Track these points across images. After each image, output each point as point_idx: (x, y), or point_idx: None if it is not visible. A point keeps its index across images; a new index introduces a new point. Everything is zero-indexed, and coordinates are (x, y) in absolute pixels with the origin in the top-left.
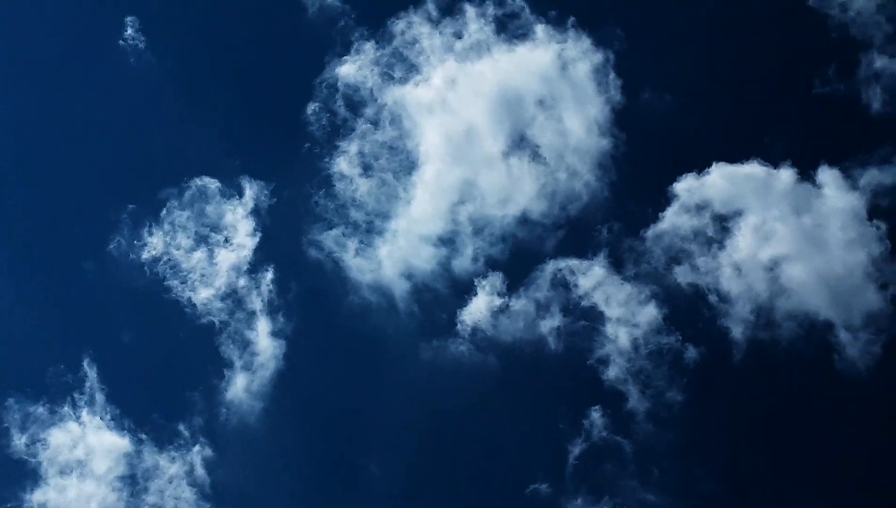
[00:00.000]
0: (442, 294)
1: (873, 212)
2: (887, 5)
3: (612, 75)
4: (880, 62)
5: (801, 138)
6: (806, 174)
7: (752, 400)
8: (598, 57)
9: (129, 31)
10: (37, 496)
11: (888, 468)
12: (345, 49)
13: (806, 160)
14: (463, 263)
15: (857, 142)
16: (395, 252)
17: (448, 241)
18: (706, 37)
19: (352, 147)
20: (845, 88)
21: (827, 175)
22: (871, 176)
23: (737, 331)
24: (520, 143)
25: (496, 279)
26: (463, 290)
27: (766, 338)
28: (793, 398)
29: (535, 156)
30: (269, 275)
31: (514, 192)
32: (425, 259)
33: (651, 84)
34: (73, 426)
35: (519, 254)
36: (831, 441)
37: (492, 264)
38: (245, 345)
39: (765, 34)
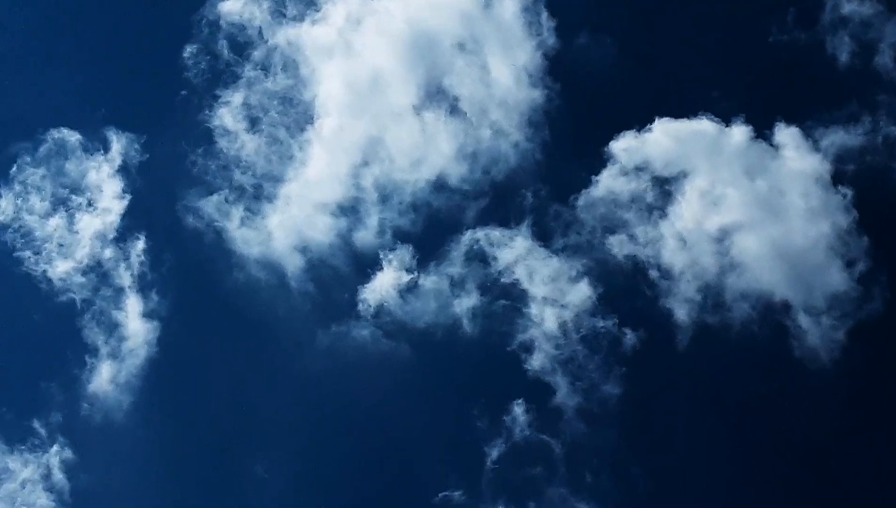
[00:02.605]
0: (342, 272)
1: (838, 177)
2: None
3: (544, 15)
4: (848, 7)
5: (756, 92)
6: (761, 133)
7: (699, 393)
8: None
9: None
10: None
11: (850, 467)
12: None
13: (761, 117)
14: (366, 235)
15: (820, 98)
16: (287, 222)
17: (349, 209)
18: None
19: (236, 97)
20: (807, 36)
21: (785, 134)
22: (836, 137)
23: (681, 313)
24: (435, 94)
25: (404, 253)
26: (366, 266)
27: (714, 321)
28: (745, 391)
29: (454, 110)
30: (140, 245)
31: (429, 152)
32: (322, 230)
33: (588, 26)
34: None
35: (433, 226)
36: (788, 439)
37: (401, 238)
38: (112, 328)
39: None
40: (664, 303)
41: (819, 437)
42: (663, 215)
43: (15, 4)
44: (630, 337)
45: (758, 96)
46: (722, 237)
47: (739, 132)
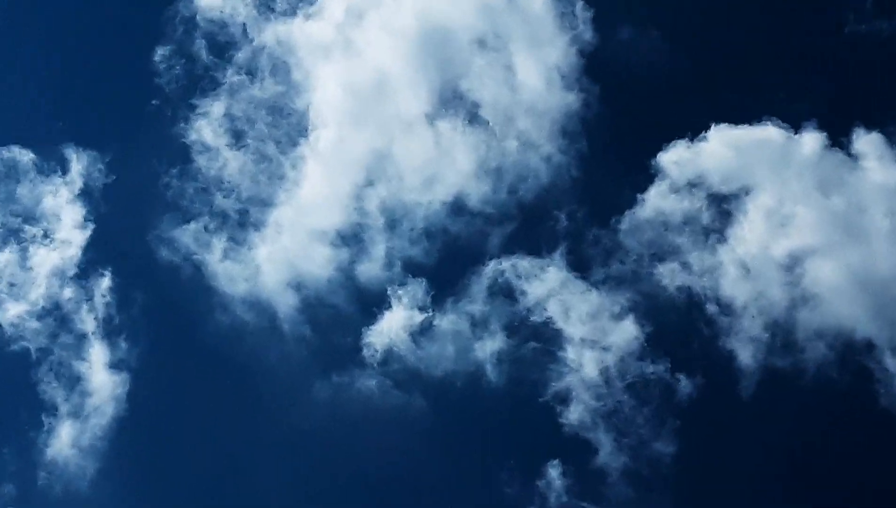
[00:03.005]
0: (343, 311)
1: None
2: None
3: (579, 4)
4: None
5: (829, 93)
6: (837, 140)
7: (768, 450)
8: None
9: None
10: None
11: None
12: None
13: (837, 122)
14: (372, 268)
15: None
16: (277, 253)
17: (351, 238)
18: None
19: (216, 107)
20: (890, 25)
21: (865, 142)
22: None
23: (745, 355)
24: (451, 100)
25: (417, 288)
26: (372, 305)
27: (784, 365)
28: (822, 447)
29: (474, 118)
30: (106, 282)
31: (444, 169)
32: (320, 263)
33: (631, 16)
34: None
35: (450, 256)
36: (874, 503)
37: (412, 271)
38: (73, 382)
39: None
40: (725, 343)
41: None
42: (722, 238)
43: None
44: (685, 385)
45: (832, 97)
46: (792, 264)
47: (811, 140)
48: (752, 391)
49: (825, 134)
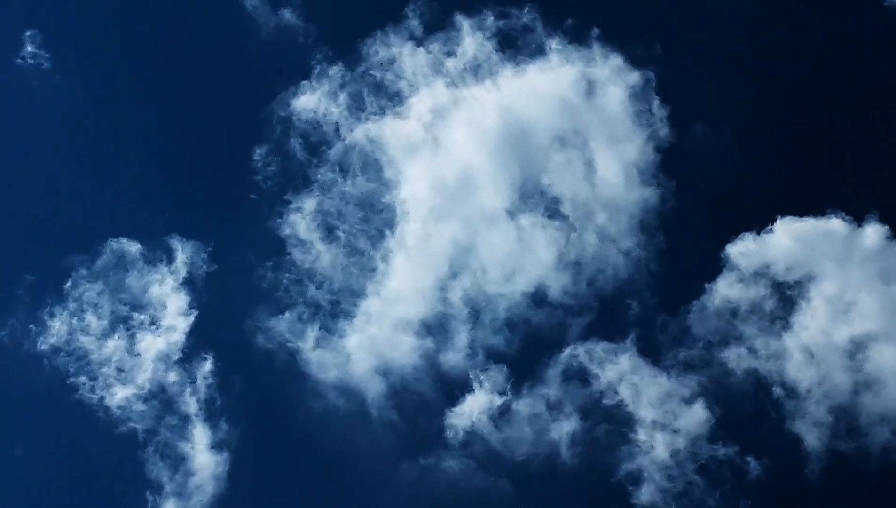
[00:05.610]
0: (428, 397)
1: None
2: None
3: (655, 102)
4: None
5: (892, 187)
6: None
7: None
8: (634, 78)
9: (29, 47)
10: None
11: None
12: (303, 74)
13: None
14: (455, 356)
15: None
16: (366, 342)
17: (436, 327)
18: (775, 55)
19: (309, 202)
20: None
21: None
22: None
23: (811, 438)
24: (532, 195)
25: (497, 374)
26: (454, 389)
27: (849, 449)
28: None
29: (554, 213)
30: (208, 366)
31: (525, 262)
32: (406, 351)
33: (705, 114)
34: None
35: (530, 345)
36: None
37: (495, 359)
38: (177, 462)
39: (849, 54)
40: (791, 427)
41: None
42: (787, 325)
43: (70, 106)
44: (754, 467)
45: (894, 192)
46: (855, 350)
47: (873, 232)
48: (819, 474)
49: (887, 227)
